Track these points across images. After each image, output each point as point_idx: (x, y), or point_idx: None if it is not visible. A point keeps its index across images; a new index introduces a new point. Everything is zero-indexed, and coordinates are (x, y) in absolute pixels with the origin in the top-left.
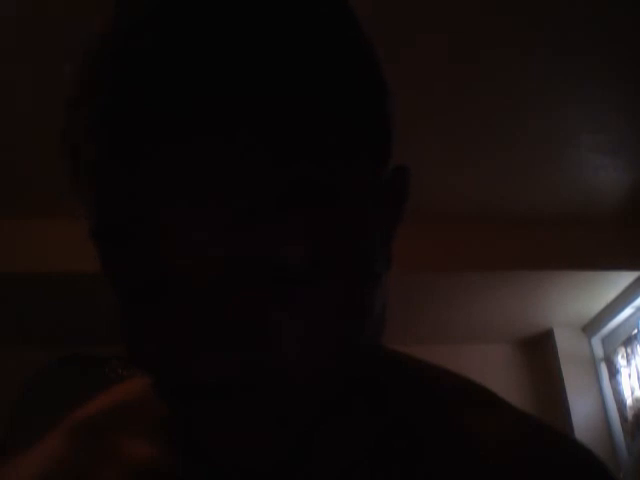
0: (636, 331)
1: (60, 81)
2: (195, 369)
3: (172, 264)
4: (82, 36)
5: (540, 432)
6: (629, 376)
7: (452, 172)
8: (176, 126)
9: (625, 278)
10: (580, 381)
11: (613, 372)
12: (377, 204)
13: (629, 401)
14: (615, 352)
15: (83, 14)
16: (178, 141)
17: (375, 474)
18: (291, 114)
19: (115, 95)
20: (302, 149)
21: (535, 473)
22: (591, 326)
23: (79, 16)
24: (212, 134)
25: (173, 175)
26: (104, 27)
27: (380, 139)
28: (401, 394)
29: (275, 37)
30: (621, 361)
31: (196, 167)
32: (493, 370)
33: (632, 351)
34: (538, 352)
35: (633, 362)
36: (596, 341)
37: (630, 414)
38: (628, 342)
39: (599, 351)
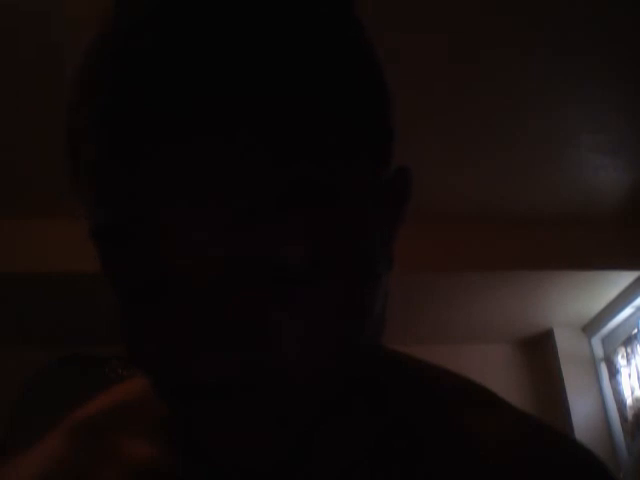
0: (636, 331)
1: (60, 81)
2: (195, 369)
3: (172, 264)
4: (82, 37)
5: (540, 432)
6: (629, 376)
7: (452, 172)
8: (176, 126)
9: (625, 278)
10: (580, 381)
11: (613, 372)
12: (377, 204)
13: (629, 401)
14: (615, 352)
15: (83, 16)
16: (178, 141)
17: (375, 474)
18: (291, 114)
19: (115, 95)
20: (302, 149)
21: (535, 473)
22: (591, 326)
23: (79, 17)
24: (212, 134)
25: (173, 175)
26: (104, 27)
27: (380, 139)
28: (401, 394)
29: (275, 37)
30: (621, 361)
31: (196, 167)
32: (493, 370)
33: (632, 351)
34: (538, 352)
35: (633, 362)
36: (596, 341)
37: (630, 414)
38: (628, 342)
39: (599, 351)
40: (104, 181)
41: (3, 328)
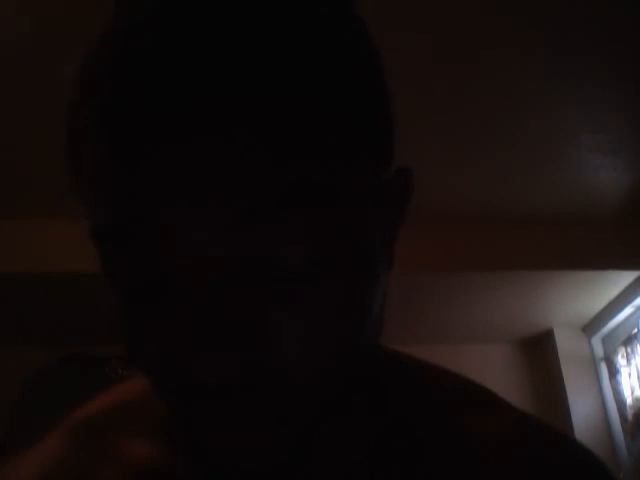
0: (636, 330)
1: (60, 81)
2: (195, 369)
3: (172, 264)
4: (82, 37)
5: (540, 432)
6: (629, 376)
7: (452, 172)
8: (176, 126)
9: (625, 278)
10: (580, 381)
11: (613, 372)
12: (377, 204)
13: (629, 401)
14: (615, 352)
15: (83, 18)
16: (178, 141)
17: (375, 474)
18: (291, 114)
19: (115, 95)
20: (302, 149)
21: (535, 473)
22: (591, 326)
23: (79, 19)
24: (212, 134)
25: (173, 175)
26: (104, 27)
27: (380, 139)
28: (401, 394)
29: (275, 37)
30: (621, 361)
31: (196, 167)
32: (493, 370)
33: (632, 351)
34: (538, 352)
35: (633, 362)
36: (596, 341)
37: (630, 414)
38: (628, 342)
39: (599, 351)
40: (104, 181)
41: (3, 328)
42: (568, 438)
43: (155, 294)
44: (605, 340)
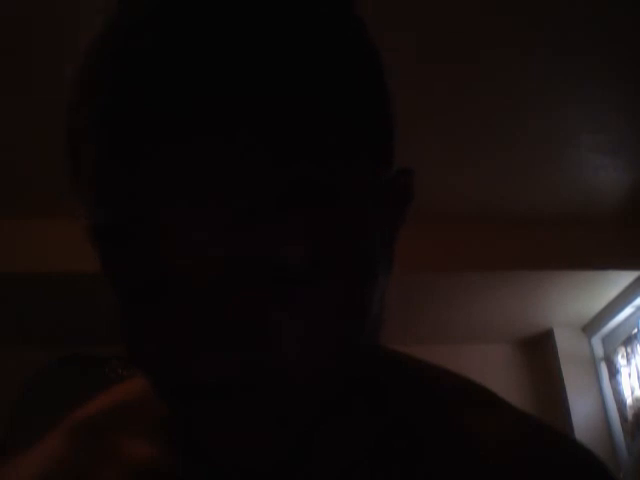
0: (636, 331)
1: (60, 81)
2: (195, 369)
3: (172, 264)
4: (82, 37)
5: (540, 432)
6: (629, 376)
7: (452, 172)
8: (176, 126)
9: (625, 278)
10: (580, 381)
11: (613, 372)
12: (377, 204)
13: (629, 401)
14: (615, 352)
15: (84, 16)
16: (178, 141)
17: (375, 474)
18: (291, 114)
19: (115, 95)
20: (302, 149)
21: (535, 473)
22: (591, 326)
23: (79, 18)
24: (212, 134)
25: (173, 175)
26: (104, 27)
27: (380, 139)
28: (401, 394)
29: (275, 37)
30: (621, 361)
31: (196, 167)
32: (493, 370)
33: (632, 351)
34: (538, 352)
35: (633, 362)
36: (596, 341)
37: (630, 414)
38: (628, 342)
39: (599, 351)
40: (104, 181)
41: (3, 328)
42: (568, 438)
43: (155, 294)
44: (605, 340)
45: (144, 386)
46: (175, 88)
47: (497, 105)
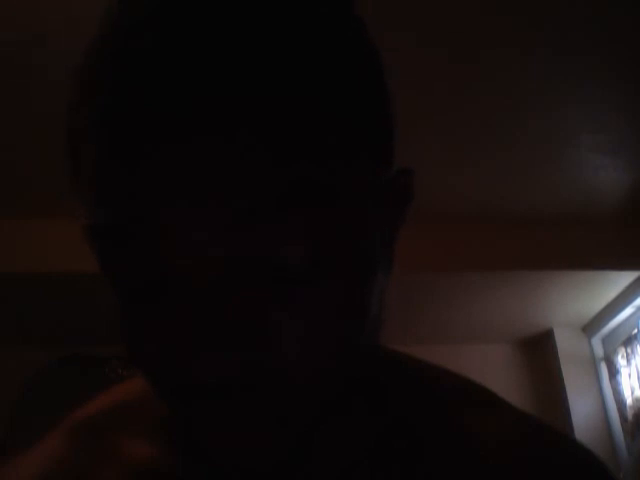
0: (636, 331)
1: (60, 81)
2: (195, 369)
3: (172, 264)
4: (82, 37)
5: (540, 432)
6: (629, 376)
7: (452, 172)
8: (176, 126)
9: (625, 278)
10: (580, 381)
11: (613, 372)
12: (377, 204)
13: (629, 401)
14: (615, 352)
15: (84, 16)
16: (178, 141)
17: (375, 474)
18: (291, 114)
19: (115, 95)
20: (302, 149)
21: (535, 473)
22: (591, 326)
23: (80, 18)
24: (212, 134)
25: (173, 175)
26: (104, 27)
27: (380, 139)
28: (401, 394)
29: (275, 37)
30: (621, 361)
31: (196, 167)
32: (493, 370)
33: (632, 351)
34: (538, 352)
35: (633, 362)
36: (596, 341)
37: (630, 414)
38: (628, 342)
39: (599, 351)
40: (104, 181)
41: (3, 328)
42: (568, 438)
43: (155, 294)
44: (605, 340)
45: (144, 386)
46: (175, 88)
47: (497, 105)
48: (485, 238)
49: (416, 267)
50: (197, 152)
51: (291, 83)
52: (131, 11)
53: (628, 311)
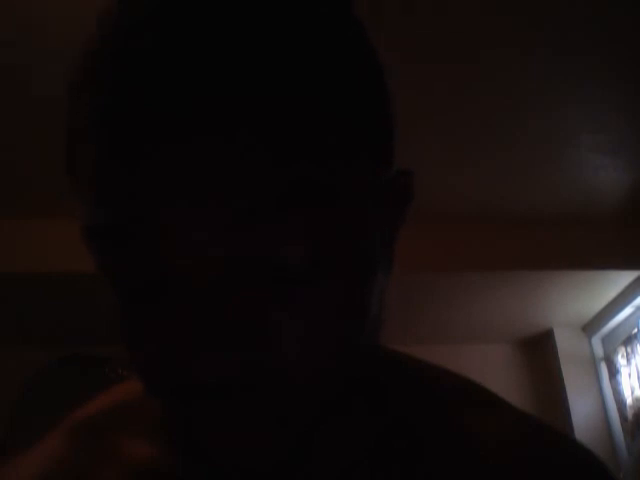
0: (636, 330)
1: (60, 81)
2: (195, 369)
3: (172, 264)
4: (82, 37)
5: (540, 432)
6: (629, 376)
7: (452, 172)
8: (176, 126)
9: (625, 278)
10: (580, 381)
11: (613, 372)
12: (377, 204)
13: (629, 401)
14: (615, 352)
15: (83, 16)
16: (178, 141)
17: (375, 474)
18: (291, 114)
19: (115, 95)
20: (302, 149)
21: (535, 473)
22: (591, 326)
23: (79, 17)
24: (212, 134)
25: (173, 175)
26: (104, 27)
27: (380, 139)
28: (401, 394)
29: (275, 37)
30: (621, 361)
31: (196, 167)
32: (493, 370)
33: (632, 350)
34: (538, 352)
35: (633, 362)
36: (596, 341)
37: (630, 414)
38: (628, 342)
39: (599, 351)
40: (104, 181)
41: (3, 328)
42: (568, 438)
43: (155, 294)
44: (605, 340)
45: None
46: (175, 88)
47: (497, 105)
48: (485, 238)
49: (416, 267)
50: (197, 152)
51: (291, 83)
52: (131, 11)
53: (628, 311)
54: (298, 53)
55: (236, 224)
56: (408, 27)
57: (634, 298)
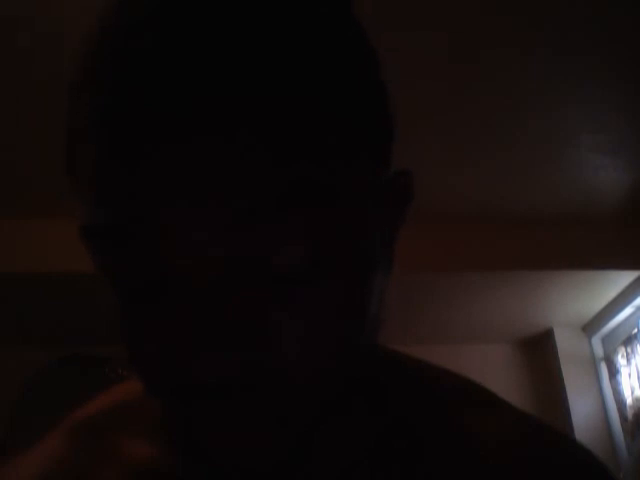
0: (636, 330)
1: (60, 81)
2: (195, 369)
3: (172, 264)
4: (82, 37)
5: (540, 432)
6: (629, 376)
7: (452, 172)
8: (176, 126)
9: (625, 278)
10: (580, 381)
11: (613, 372)
12: (377, 204)
13: (629, 401)
14: (615, 352)
15: (83, 16)
16: (178, 141)
17: (375, 474)
18: (291, 114)
19: (115, 95)
20: (302, 149)
21: (535, 473)
22: (591, 326)
23: (79, 17)
24: (212, 134)
25: (173, 175)
26: (104, 27)
27: (380, 139)
28: (401, 394)
29: (275, 37)
30: (621, 361)
31: (196, 167)
32: (493, 370)
33: (632, 350)
34: (538, 352)
35: (633, 362)
36: (596, 341)
37: (630, 414)
38: (628, 342)
39: (599, 351)
40: (104, 181)
41: (3, 328)
42: (568, 438)
43: (155, 294)
44: (605, 340)
45: None
46: (175, 88)
47: (497, 105)
48: (485, 238)
49: (416, 267)
50: (197, 152)
51: (291, 83)
52: (131, 11)
53: (628, 311)
54: (298, 53)
55: (236, 224)
56: (408, 27)
57: (634, 298)
